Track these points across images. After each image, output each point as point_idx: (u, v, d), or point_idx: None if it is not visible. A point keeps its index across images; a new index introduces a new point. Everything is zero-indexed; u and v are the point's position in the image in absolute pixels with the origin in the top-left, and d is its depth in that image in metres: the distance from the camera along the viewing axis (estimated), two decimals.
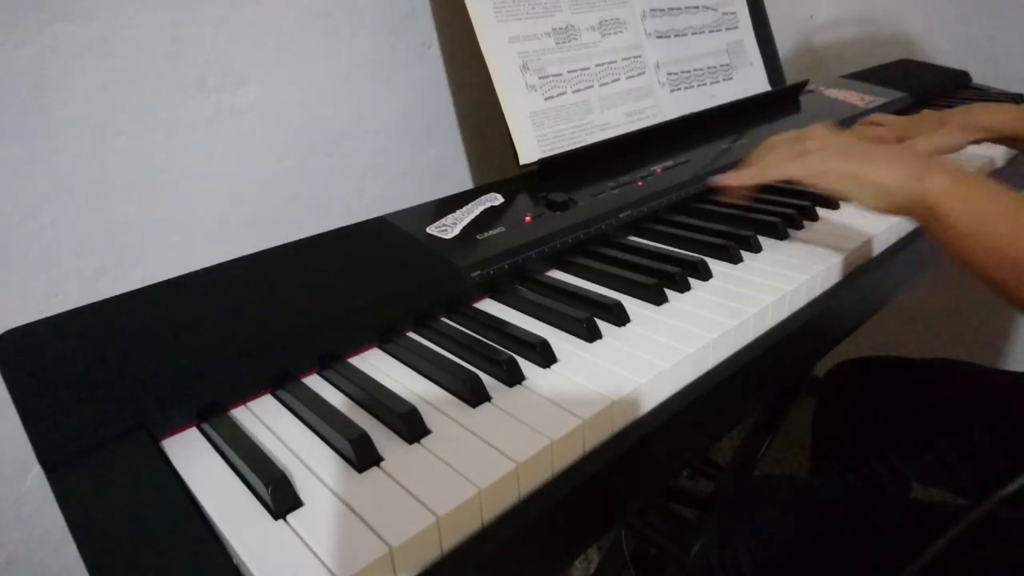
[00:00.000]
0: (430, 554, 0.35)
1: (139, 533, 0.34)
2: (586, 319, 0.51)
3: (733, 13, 1.01)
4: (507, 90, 0.72)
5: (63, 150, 0.59)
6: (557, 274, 0.63)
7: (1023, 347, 1.39)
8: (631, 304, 0.55)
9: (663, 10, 0.90)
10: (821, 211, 0.72)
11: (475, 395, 0.44)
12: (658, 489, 0.93)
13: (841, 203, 0.73)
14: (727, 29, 0.99)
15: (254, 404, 0.46)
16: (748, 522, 0.69)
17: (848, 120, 0.97)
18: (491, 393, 0.45)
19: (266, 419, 0.44)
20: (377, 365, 0.49)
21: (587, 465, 0.42)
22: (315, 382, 0.48)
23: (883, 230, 0.67)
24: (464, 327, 0.53)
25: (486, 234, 0.61)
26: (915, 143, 0.81)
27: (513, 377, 0.46)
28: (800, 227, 0.69)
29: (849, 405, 0.90)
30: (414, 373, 0.48)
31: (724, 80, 0.97)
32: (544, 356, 0.48)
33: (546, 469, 0.40)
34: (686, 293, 0.57)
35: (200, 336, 0.46)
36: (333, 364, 0.49)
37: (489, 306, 0.57)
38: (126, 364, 0.43)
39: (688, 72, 0.92)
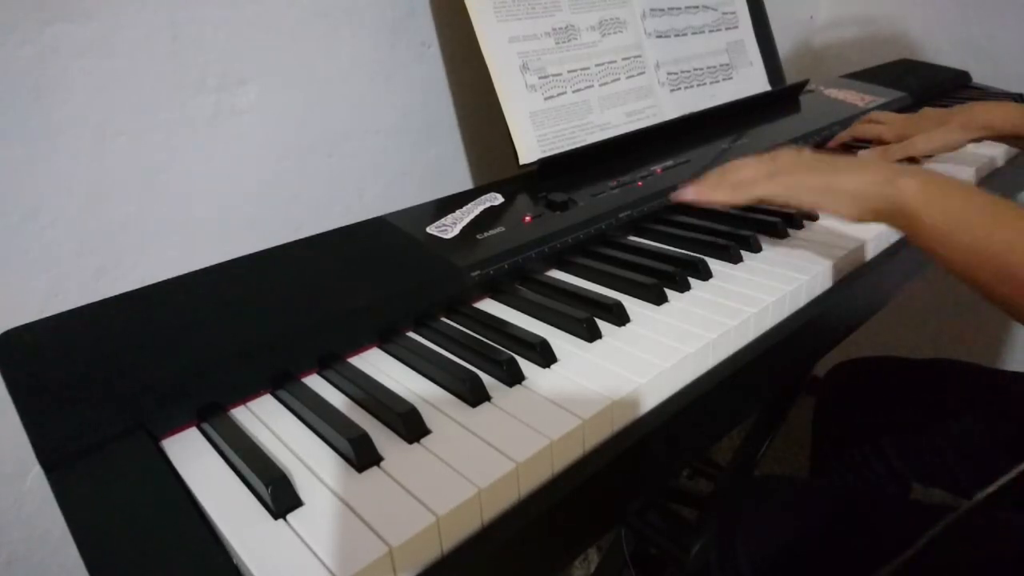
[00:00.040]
0: (430, 554, 0.35)
1: (139, 533, 0.34)
2: (586, 319, 0.51)
3: (733, 13, 1.01)
4: (507, 90, 0.72)
5: (63, 150, 0.59)
6: (557, 274, 0.63)
7: (1023, 347, 1.39)
8: (631, 304, 0.55)
9: (663, 10, 0.90)
10: None
11: (475, 395, 0.44)
12: (658, 489, 0.93)
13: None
14: (727, 29, 0.99)
15: (254, 404, 0.46)
16: (748, 522, 0.69)
17: (848, 120, 0.97)
18: (491, 393, 0.45)
19: (266, 419, 0.44)
20: (377, 365, 0.49)
21: (587, 465, 0.42)
22: (315, 382, 0.48)
23: (882, 231, 0.66)
24: (464, 327, 0.53)
25: (486, 234, 0.61)
26: (915, 141, 0.81)
27: (513, 377, 0.46)
28: (800, 227, 0.69)
29: (849, 405, 0.90)
30: (414, 373, 0.48)
31: (724, 80, 0.97)
32: (544, 356, 0.48)
33: (546, 469, 0.40)
34: (686, 293, 0.57)
35: (200, 336, 0.46)
36: (333, 364, 0.49)
37: (489, 306, 0.57)
38: (126, 364, 0.43)
39: (688, 72, 0.92)
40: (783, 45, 1.12)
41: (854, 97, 1.07)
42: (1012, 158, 0.93)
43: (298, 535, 0.34)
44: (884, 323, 1.46)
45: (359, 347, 0.51)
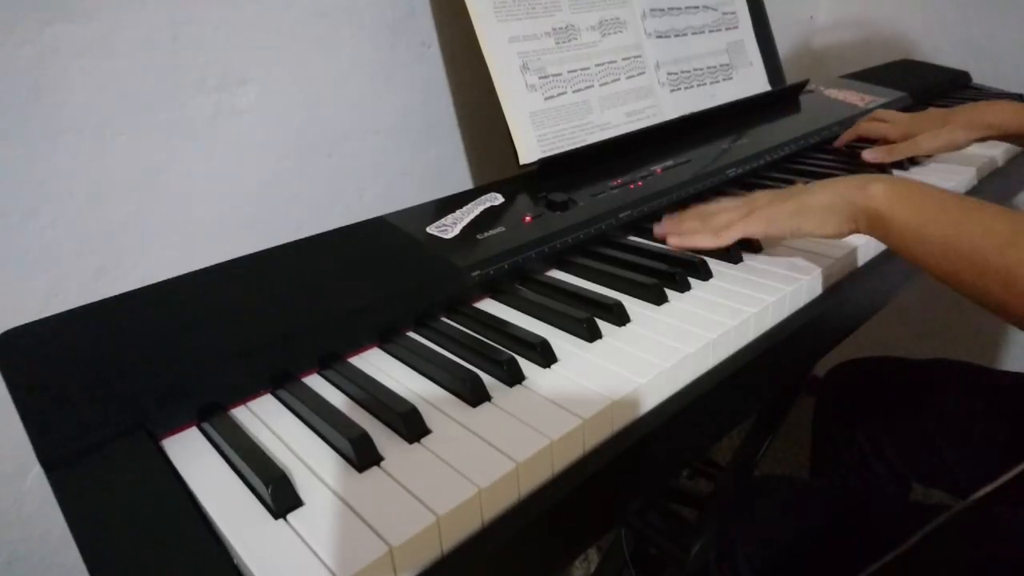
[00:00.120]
0: (430, 554, 0.35)
1: (139, 533, 0.34)
2: (586, 319, 0.51)
3: (733, 13, 1.01)
4: (507, 90, 0.72)
5: (63, 150, 0.59)
6: (557, 274, 0.63)
7: (1022, 347, 1.39)
8: (631, 304, 0.55)
9: (663, 10, 0.90)
10: None
11: (475, 395, 0.44)
12: (658, 489, 0.93)
13: None
14: (727, 29, 0.99)
15: (254, 404, 0.46)
16: (747, 522, 0.69)
17: (848, 120, 0.97)
18: (491, 393, 0.45)
19: (266, 419, 0.44)
20: (377, 365, 0.49)
21: (587, 465, 0.42)
22: (315, 382, 0.48)
23: None
24: (464, 327, 0.53)
25: (486, 234, 0.61)
26: (920, 140, 0.82)
27: (513, 377, 0.46)
28: None
29: (849, 405, 0.90)
30: (414, 373, 0.48)
31: (724, 80, 0.97)
32: (544, 356, 0.48)
33: (546, 469, 0.40)
34: (686, 293, 0.57)
35: (200, 336, 0.46)
36: (333, 364, 0.49)
37: (489, 306, 0.57)
38: (126, 364, 0.43)
39: (688, 72, 0.92)
40: (783, 45, 1.12)
41: (854, 97, 1.07)
42: (1012, 158, 0.93)
43: (298, 535, 0.34)
44: (884, 323, 1.46)
45: (359, 347, 0.51)
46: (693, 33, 0.94)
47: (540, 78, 0.75)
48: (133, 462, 0.39)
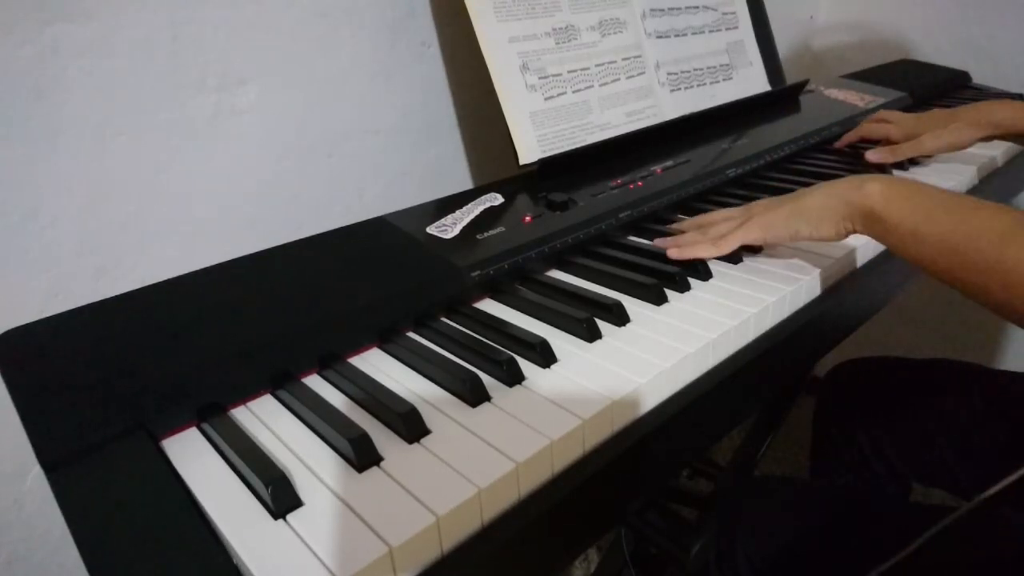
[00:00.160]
0: (430, 554, 0.35)
1: (139, 533, 0.34)
2: (586, 319, 0.51)
3: (733, 13, 1.01)
4: (507, 90, 0.72)
5: (63, 150, 0.59)
6: (557, 274, 0.63)
7: (1022, 347, 1.39)
8: (631, 304, 0.55)
9: (663, 10, 0.90)
10: None
11: (475, 395, 0.44)
12: (658, 489, 0.93)
13: None
14: (727, 29, 0.99)
15: (254, 404, 0.46)
16: (747, 522, 0.69)
17: (848, 120, 0.97)
18: (491, 393, 0.45)
19: (266, 419, 0.44)
20: (377, 365, 0.49)
21: (587, 465, 0.42)
22: (315, 382, 0.48)
23: None
24: (464, 327, 0.53)
25: (486, 234, 0.61)
26: (923, 140, 0.81)
27: (513, 377, 0.46)
28: None
29: (849, 405, 0.90)
30: (414, 373, 0.48)
31: (724, 80, 0.97)
32: (544, 356, 0.48)
33: (546, 469, 0.40)
34: (686, 293, 0.57)
35: (200, 336, 0.46)
36: (333, 364, 0.49)
37: (489, 306, 0.57)
38: (126, 364, 0.43)
39: (688, 72, 0.92)
40: (783, 45, 1.12)
41: (854, 97, 1.07)
42: (1012, 158, 0.93)
43: (298, 535, 0.34)
44: (884, 323, 1.46)
45: (359, 347, 0.51)
46: (693, 33, 0.94)
47: (540, 78, 0.75)
48: (133, 462, 0.39)
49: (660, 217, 0.72)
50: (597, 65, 0.81)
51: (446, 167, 0.88)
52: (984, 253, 0.47)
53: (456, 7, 0.71)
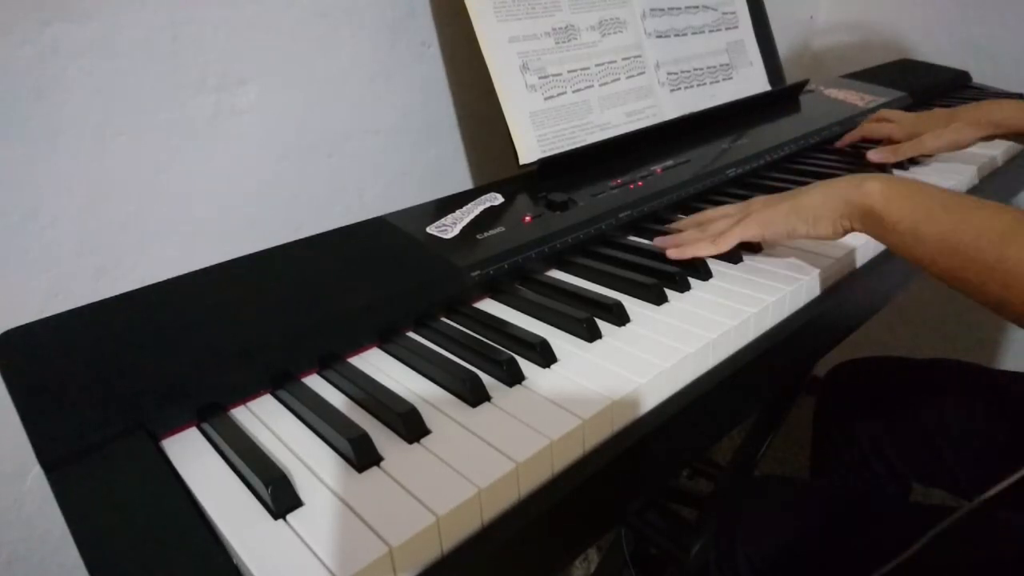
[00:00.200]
0: (430, 554, 0.35)
1: (139, 533, 0.34)
2: (586, 319, 0.51)
3: (733, 13, 1.01)
4: (507, 90, 0.72)
5: (63, 150, 0.59)
6: (557, 274, 0.63)
7: (1022, 347, 1.39)
8: (631, 304, 0.55)
9: (663, 10, 0.90)
10: None
11: (475, 395, 0.44)
12: (658, 489, 0.93)
13: None
14: (727, 29, 0.99)
15: (254, 404, 0.46)
16: (747, 522, 0.69)
17: (848, 120, 0.97)
18: (491, 393, 0.45)
19: (266, 419, 0.44)
20: (377, 365, 0.49)
21: (587, 465, 0.42)
22: (315, 382, 0.48)
23: None
24: (464, 327, 0.53)
25: (486, 234, 0.61)
26: (924, 140, 0.81)
27: (513, 377, 0.46)
28: None
29: (849, 405, 0.90)
30: (414, 373, 0.48)
31: (724, 80, 0.97)
32: (544, 356, 0.48)
33: (546, 469, 0.40)
34: (686, 293, 0.57)
35: (200, 336, 0.46)
36: (333, 364, 0.49)
37: (489, 306, 0.57)
38: (126, 364, 0.43)
39: (688, 72, 0.92)
40: (783, 45, 1.12)
41: (854, 97, 1.07)
42: (1012, 158, 0.93)
43: (298, 535, 0.34)
44: (884, 323, 1.46)
45: (359, 347, 0.51)
46: (693, 33, 0.94)
47: (540, 78, 0.75)
48: (133, 462, 0.39)
49: (660, 217, 0.72)
50: (597, 65, 0.81)
51: (446, 167, 0.88)
52: (984, 252, 0.47)
53: (456, 7, 0.71)
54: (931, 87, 1.16)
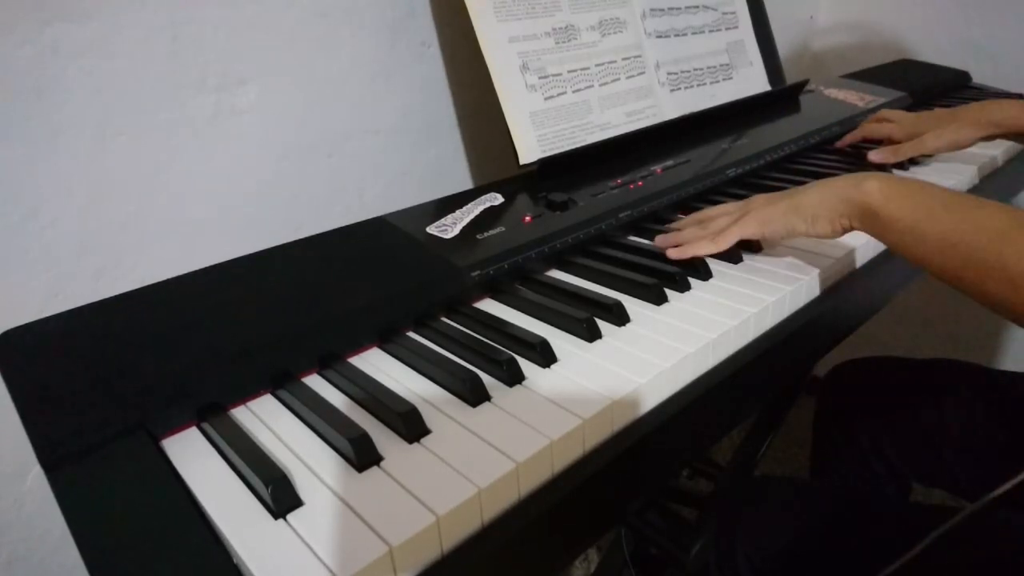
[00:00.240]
0: (430, 554, 0.35)
1: (139, 533, 0.34)
2: (586, 319, 0.51)
3: (733, 13, 1.01)
4: (507, 90, 0.72)
5: (63, 150, 0.59)
6: (557, 274, 0.63)
7: (1023, 347, 1.39)
8: (631, 304, 0.55)
9: (663, 10, 0.90)
10: None
11: (475, 395, 0.44)
12: (658, 489, 0.93)
13: None
14: (727, 29, 0.99)
15: (254, 404, 0.46)
16: (747, 522, 0.69)
17: (848, 120, 0.97)
18: (491, 393, 0.45)
19: (266, 419, 0.44)
20: (377, 365, 0.49)
21: (587, 465, 0.42)
22: (315, 382, 0.48)
23: None
24: (464, 327, 0.53)
25: (486, 234, 0.61)
26: (925, 139, 0.81)
27: (513, 377, 0.46)
28: None
29: (849, 405, 0.90)
30: (414, 373, 0.48)
31: (724, 80, 0.97)
32: (544, 356, 0.48)
33: (546, 469, 0.40)
34: (686, 293, 0.57)
35: (200, 336, 0.46)
36: (333, 364, 0.49)
37: (489, 306, 0.57)
38: (126, 364, 0.43)
39: (688, 72, 0.92)
40: (783, 45, 1.12)
41: (854, 97, 1.07)
42: (1012, 157, 0.93)
43: (298, 535, 0.34)
44: (884, 323, 1.46)
45: (359, 347, 0.51)
46: (693, 33, 0.94)
47: (540, 78, 0.75)
48: (133, 462, 0.39)
49: (660, 217, 0.72)
50: (597, 65, 0.81)
51: (446, 167, 0.88)
52: (984, 251, 0.47)
53: (456, 7, 0.71)
54: (931, 87, 1.16)
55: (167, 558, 0.33)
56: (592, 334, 0.51)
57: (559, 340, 0.50)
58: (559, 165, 0.74)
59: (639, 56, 0.86)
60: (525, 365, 0.47)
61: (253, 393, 0.46)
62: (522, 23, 0.75)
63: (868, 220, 0.55)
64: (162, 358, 0.44)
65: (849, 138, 0.92)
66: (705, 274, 0.59)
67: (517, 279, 0.60)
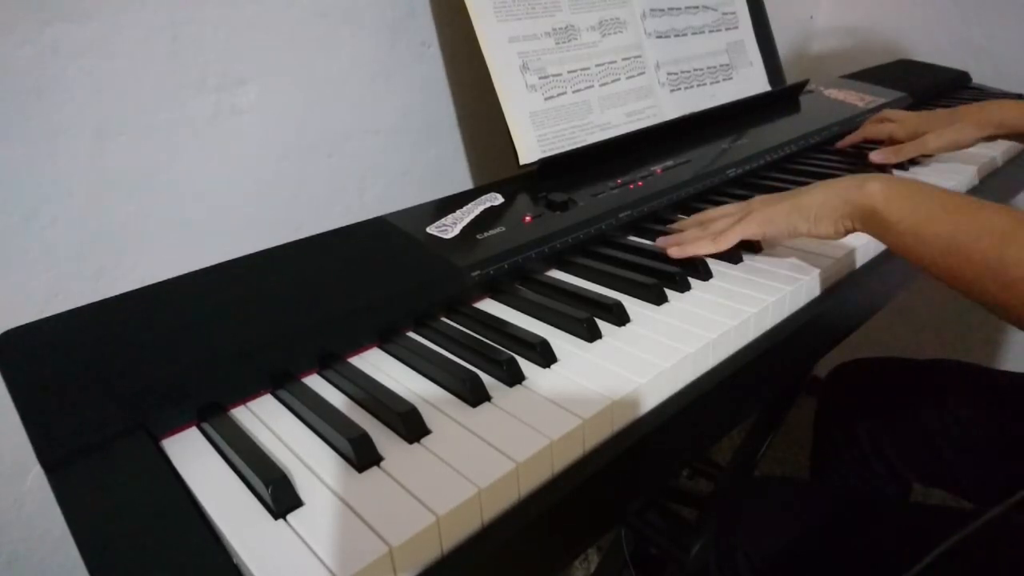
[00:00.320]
0: (430, 554, 0.35)
1: (139, 533, 0.34)
2: (586, 319, 0.51)
3: (733, 13, 1.01)
4: (507, 90, 0.72)
5: (63, 150, 0.59)
6: (557, 274, 0.63)
7: (1023, 347, 1.39)
8: (631, 304, 0.55)
9: (663, 10, 0.90)
10: None
11: (475, 395, 0.44)
12: (658, 489, 0.93)
13: None
14: (727, 29, 0.99)
15: (254, 404, 0.46)
16: (747, 522, 0.69)
17: (848, 120, 0.97)
18: (491, 393, 0.45)
19: (266, 419, 0.44)
20: (377, 365, 0.49)
21: (587, 465, 0.42)
22: (315, 382, 0.48)
23: None
24: (464, 327, 0.53)
25: (486, 234, 0.61)
26: (927, 139, 0.82)
27: (513, 377, 0.46)
28: None
29: (849, 405, 0.90)
30: (414, 373, 0.48)
31: (724, 80, 0.97)
32: (544, 356, 0.48)
33: (546, 469, 0.40)
34: (686, 293, 0.57)
35: (200, 336, 0.46)
36: (333, 364, 0.49)
37: (489, 306, 0.57)
38: (126, 364, 0.43)
39: (688, 72, 0.92)
40: (783, 45, 1.12)
41: (854, 97, 1.07)
42: (1012, 158, 0.93)
43: (298, 535, 0.34)
44: (885, 323, 1.46)
45: (359, 347, 0.51)
46: (693, 33, 0.94)
47: (540, 78, 0.75)
48: (133, 462, 0.39)
49: (660, 217, 0.72)
50: (597, 65, 0.81)
51: (446, 167, 0.88)
52: (985, 253, 0.47)
53: (456, 7, 0.71)
54: (931, 87, 1.16)
55: (167, 558, 0.33)
56: (592, 334, 0.51)
57: (559, 340, 0.50)
58: (559, 165, 0.74)
59: (639, 56, 0.86)
60: (525, 365, 0.47)
61: (253, 393, 0.46)
62: (522, 23, 0.75)
63: (869, 221, 0.55)
64: (162, 358, 0.44)
65: (851, 139, 0.92)
66: (705, 274, 0.59)
67: (517, 279, 0.60)
